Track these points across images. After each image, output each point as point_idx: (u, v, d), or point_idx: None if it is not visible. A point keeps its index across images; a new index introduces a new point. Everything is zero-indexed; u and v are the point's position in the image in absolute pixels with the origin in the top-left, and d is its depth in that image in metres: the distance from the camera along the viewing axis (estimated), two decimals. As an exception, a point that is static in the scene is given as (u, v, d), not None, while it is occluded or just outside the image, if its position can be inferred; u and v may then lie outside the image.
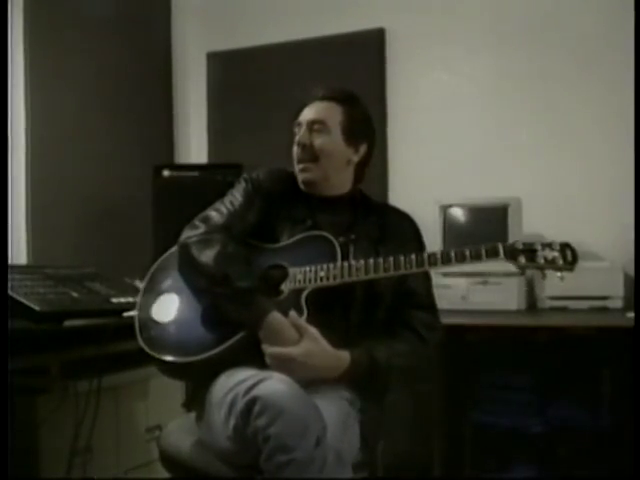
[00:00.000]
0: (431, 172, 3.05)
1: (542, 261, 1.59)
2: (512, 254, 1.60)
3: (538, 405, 2.69)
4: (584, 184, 2.84)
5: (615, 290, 2.58)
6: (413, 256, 1.63)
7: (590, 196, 2.82)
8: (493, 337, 2.65)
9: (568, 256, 1.59)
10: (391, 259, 1.63)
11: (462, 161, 3.01)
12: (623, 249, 2.63)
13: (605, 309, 2.57)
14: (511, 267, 1.64)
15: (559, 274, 1.59)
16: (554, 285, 1.63)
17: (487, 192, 2.78)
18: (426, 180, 3.04)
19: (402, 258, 1.62)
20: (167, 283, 1.75)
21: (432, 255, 1.63)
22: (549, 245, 1.60)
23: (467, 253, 1.60)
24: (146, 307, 1.72)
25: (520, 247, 1.60)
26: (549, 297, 2.64)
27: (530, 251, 1.60)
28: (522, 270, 1.62)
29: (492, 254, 1.59)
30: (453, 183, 2.97)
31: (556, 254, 1.59)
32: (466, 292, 2.61)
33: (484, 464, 2.74)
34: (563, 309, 2.61)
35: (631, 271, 2.64)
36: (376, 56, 3.18)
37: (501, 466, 2.69)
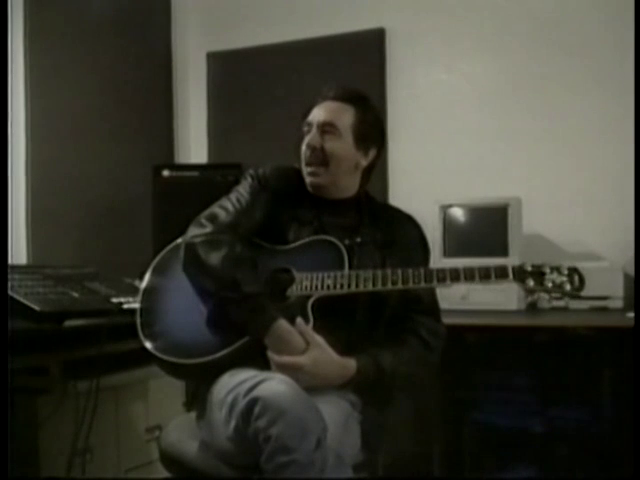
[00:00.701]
0: (431, 172, 3.04)
1: (550, 285, 1.60)
2: (520, 276, 1.60)
3: (538, 405, 2.68)
4: (584, 184, 2.83)
5: (615, 290, 2.57)
6: (422, 271, 1.62)
7: (590, 196, 2.82)
8: (493, 337, 2.65)
9: (575, 281, 1.59)
10: (399, 272, 1.62)
11: (462, 161, 3.00)
12: (623, 249, 2.63)
13: (605, 309, 2.56)
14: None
15: (564, 300, 1.60)
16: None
17: (487, 192, 2.78)
18: (426, 180, 3.03)
19: (410, 272, 1.62)
20: (169, 279, 1.74)
21: (441, 271, 1.62)
22: (557, 269, 1.61)
23: (476, 272, 1.60)
24: (147, 303, 1.71)
25: (529, 269, 1.61)
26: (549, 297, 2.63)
27: (539, 274, 1.60)
28: (530, 293, 1.63)
29: (501, 275, 1.60)
30: (453, 183, 2.97)
31: (564, 279, 1.59)
32: (466, 292, 2.60)
33: (484, 464, 2.74)
34: (563, 309, 2.60)
35: (631, 271, 2.63)
36: (376, 56, 3.17)
37: (501, 466, 2.69)
